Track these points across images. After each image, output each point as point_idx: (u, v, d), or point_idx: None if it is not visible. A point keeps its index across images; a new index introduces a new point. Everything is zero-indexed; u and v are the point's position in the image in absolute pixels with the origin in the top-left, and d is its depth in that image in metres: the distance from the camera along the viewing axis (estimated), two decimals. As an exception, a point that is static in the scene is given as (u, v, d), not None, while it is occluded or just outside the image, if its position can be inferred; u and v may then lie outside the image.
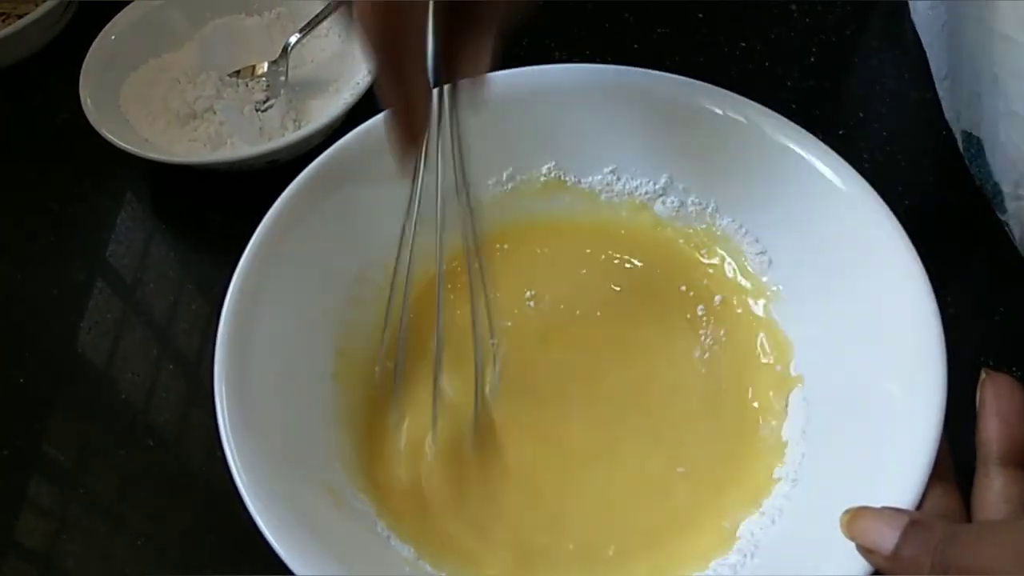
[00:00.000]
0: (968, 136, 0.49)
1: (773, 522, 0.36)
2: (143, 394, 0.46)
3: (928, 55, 0.55)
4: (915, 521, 0.29)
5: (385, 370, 0.41)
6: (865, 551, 0.30)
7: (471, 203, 0.36)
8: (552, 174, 0.46)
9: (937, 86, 0.53)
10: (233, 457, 0.34)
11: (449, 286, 0.43)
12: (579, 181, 0.46)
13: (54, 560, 0.41)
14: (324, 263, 0.41)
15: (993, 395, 0.33)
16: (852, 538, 0.30)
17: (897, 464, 0.33)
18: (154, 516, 0.42)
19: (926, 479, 0.32)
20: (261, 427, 0.35)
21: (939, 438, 0.32)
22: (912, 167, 0.52)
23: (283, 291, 0.39)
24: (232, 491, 0.33)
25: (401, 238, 0.36)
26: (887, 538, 0.29)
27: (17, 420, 0.45)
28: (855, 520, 0.30)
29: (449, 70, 0.33)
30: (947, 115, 0.52)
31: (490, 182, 0.46)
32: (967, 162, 0.50)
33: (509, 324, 0.43)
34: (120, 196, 0.54)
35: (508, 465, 0.39)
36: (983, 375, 0.34)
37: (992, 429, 0.32)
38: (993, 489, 0.32)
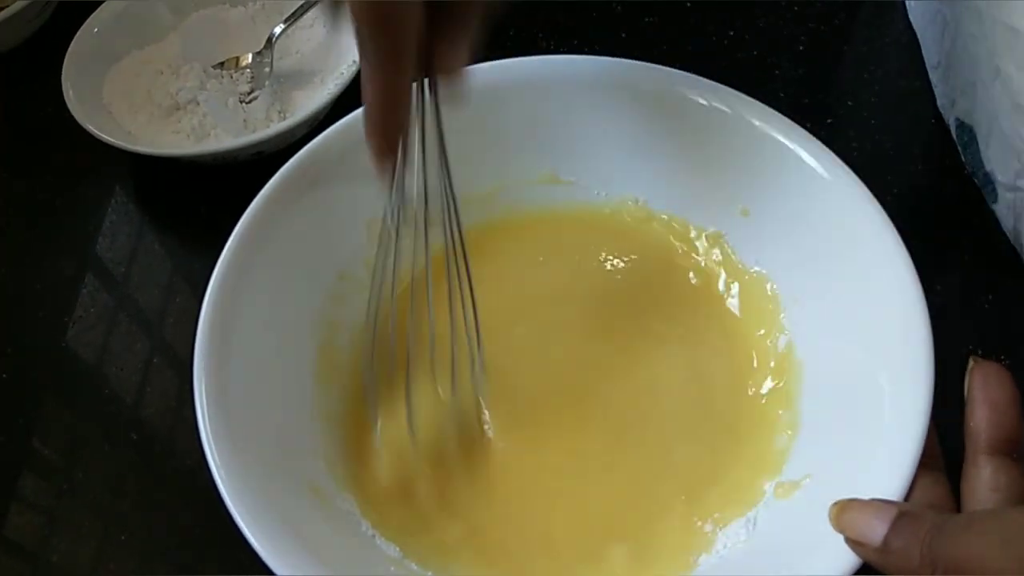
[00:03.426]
0: (961, 124, 0.48)
1: (760, 516, 0.36)
2: (131, 388, 0.46)
3: (921, 43, 0.55)
4: (904, 512, 0.29)
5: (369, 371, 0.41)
6: (854, 543, 0.30)
7: (454, 202, 0.36)
8: (544, 168, 0.46)
9: (930, 74, 0.53)
10: (213, 457, 0.33)
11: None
12: (568, 175, 0.46)
13: (42, 556, 0.41)
14: (305, 261, 0.41)
15: (981, 383, 0.33)
16: (840, 530, 0.30)
17: (885, 454, 0.33)
18: (143, 511, 0.42)
19: (914, 469, 0.32)
20: (242, 426, 0.35)
21: (927, 428, 0.32)
22: (901, 156, 0.52)
23: (263, 290, 0.39)
24: (219, 487, 0.33)
25: (379, 239, 0.36)
26: (876, 530, 0.29)
27: (4, 415, 0.45)
28: (843, 512, 0.30)
29: (428, 65, 0.33)
30: (939, 103, 0.52)
31: (476, 176, 0.45)
32: (960, 149, 0.50)
33: (497, 321, 0.43)
34: (106, 190, 0.54)
35: (491, 462, 0.39)
36: (971, 363, 0.34)
37: (980, 417, 0.32)
38: (982, 478, 0.31)
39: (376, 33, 0.30)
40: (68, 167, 0.55)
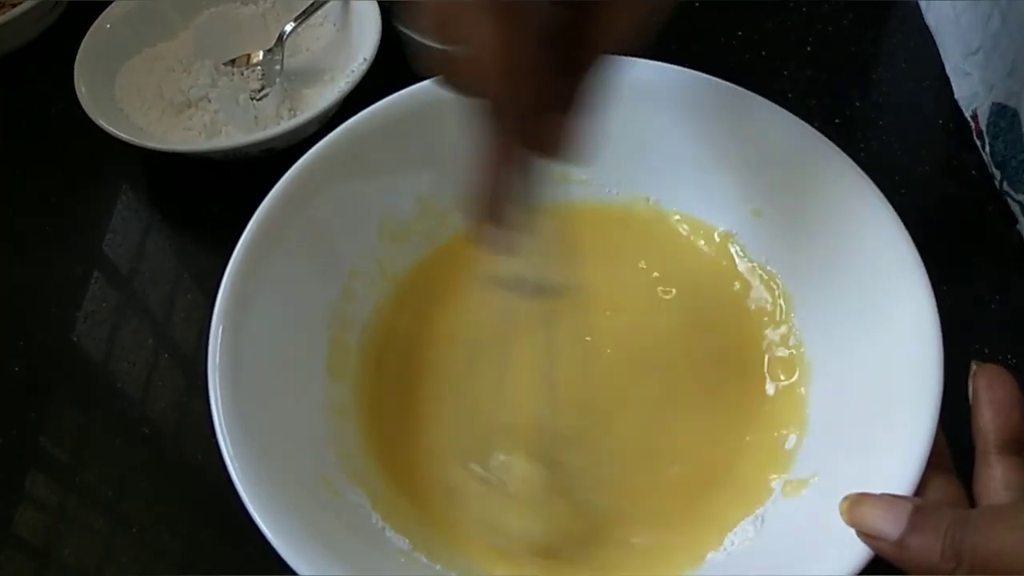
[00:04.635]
0: (1001, 108, 0.48)
1: (768, 513, 0.36)
2: (140, 384, 0.46)
3: (938, 39, 0.54)
4: (920, 507, 0.29)
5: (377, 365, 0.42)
6: (868, 538, 0.30)
7: None
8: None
9: (960, 63, 0.52)
10: (228, 449, 0.34)
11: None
12: (581, 172, 0.46)
13: (52, 553, 0.41)
14: (317, 257, 0.41)
15: (986, 385, 0.33)
16: (853, 525, 0.30)
17: (894, 454, 0.33)
18: (152, 507, 0.42)
19: (923, 469, 0.32)
20: (256, 419, 0.35)
21: (935, 428, 0.32)
22: (909, 156, 0.52)
23: (276, 285, 0.39)
24: (229, 481, 0.33)
25: None
26: (892, 524, 0.29)
27: (13, 411, 0.45)
28: (856, 506, 0.30)
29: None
30: (959, 94, 0.52)
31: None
32: (988, 139, 0.49)
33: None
34: (116, 186, 0.54)
35: (507, 464, 0.39)
36: (973, 367, 0.34)
37: (987, 419, 0.33)
38: (995, 478, 0.32)
39: (510, 104, 0.27)
40: (79, 164, 0.55)
